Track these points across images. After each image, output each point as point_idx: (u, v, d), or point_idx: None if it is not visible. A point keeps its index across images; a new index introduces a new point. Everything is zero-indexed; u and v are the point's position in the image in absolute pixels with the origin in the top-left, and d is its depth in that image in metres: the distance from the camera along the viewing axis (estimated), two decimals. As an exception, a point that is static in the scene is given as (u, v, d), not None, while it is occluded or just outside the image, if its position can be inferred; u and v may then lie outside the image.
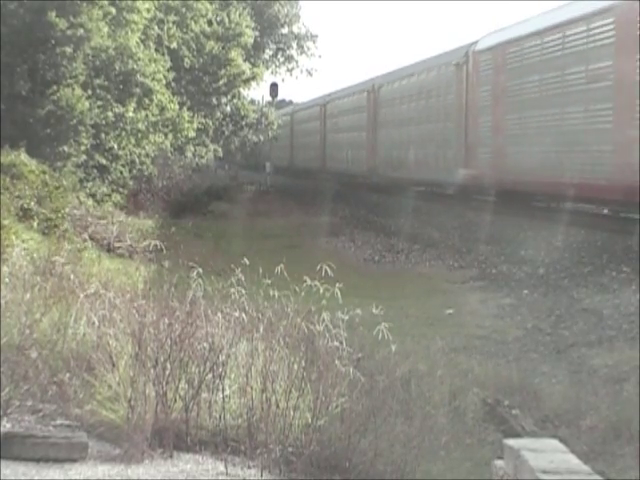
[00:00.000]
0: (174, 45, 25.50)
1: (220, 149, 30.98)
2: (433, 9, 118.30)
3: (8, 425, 4.94)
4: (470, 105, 20.04)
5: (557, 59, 16.31)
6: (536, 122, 17.17)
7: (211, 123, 29.48)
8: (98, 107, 20.06)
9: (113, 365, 5.33)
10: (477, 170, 19.68)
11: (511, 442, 3.88)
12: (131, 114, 21.26)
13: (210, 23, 28.37)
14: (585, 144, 15.12)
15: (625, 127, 13.86)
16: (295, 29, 40.44)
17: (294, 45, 40.64)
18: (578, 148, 15.40)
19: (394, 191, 25.17)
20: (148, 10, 22.08)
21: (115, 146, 21.26)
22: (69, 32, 18.85)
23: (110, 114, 20.51)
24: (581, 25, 15.52)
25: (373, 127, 28.53)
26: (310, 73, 41.54)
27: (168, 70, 24.13)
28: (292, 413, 5.04)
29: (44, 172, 16.43)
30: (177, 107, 24.22)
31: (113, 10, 20.13)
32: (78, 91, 19.28)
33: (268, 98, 39.65)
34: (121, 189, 21.66)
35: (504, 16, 39.45)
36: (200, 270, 5.96)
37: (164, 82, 23.35)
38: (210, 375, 5.21)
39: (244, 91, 32.30)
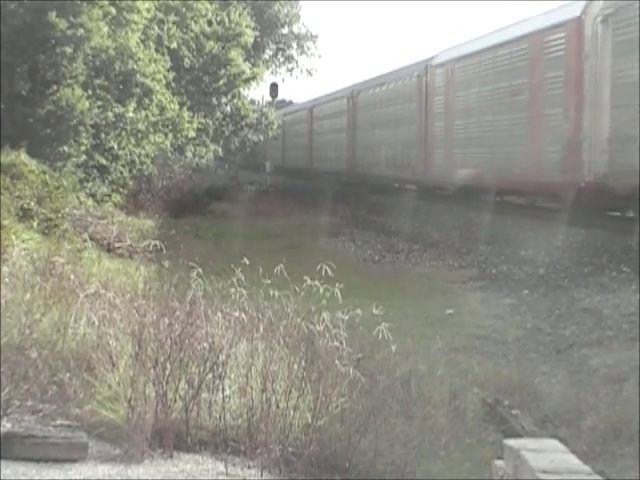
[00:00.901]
0: (174, 45, 25.50)
1: (220, 149, 30.98)
2: (433, 9, 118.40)
3: (8, 425, 4.94)
4: (429, 112, 23.36)
5: (489, 75, 19.66)
6: (474, 128, 20.57)
7: (211, 123, 29.48)
8: (98, 107, 20.06)
9: (113, 365, 5.33)
10: (434, 169, 22.97)
11: (511, 442, 3.89)
12: (131, 114, 21.26)
13: (210, 23, 28.36)
14: (507, 146, 18.68)
15: (536, 134, 17.25)
16: (295, 29, 40.49)
17: (294, 45, 40.66)
18: (502, 150, 18.97)
19: (377, 188, 27.86)
20: (148, 10, 22.09)
21: (115, 146, 21.26)
22: (69, 32, 18.85)
23: (110, 114, 20.51)
24: (506, 48, 19.05)
25: (352, 130, 31.60)
26: (310, 73, 41.62)
27: (168, 70, 24.14)
28: (292, 413, 5.04)
29: (44, 172, 16.43)
30: (177, 107, 24.23)
31: (113, 10, 20.13)
32: (78, 91, 19.27)
33: (268, 98, 39.71)
34: (121, 189, 21.66)
35: (502, 17, 39.47)
36: (200, 270, 5.97)
37: (164, 82, 23.36)
38: (210, 375, 5.22)
39: (244, 91, 32.33)
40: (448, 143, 22.23)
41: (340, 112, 33.53)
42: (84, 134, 19.47)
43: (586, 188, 15.15)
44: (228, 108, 31.34)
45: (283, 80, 53.08)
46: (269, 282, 5.88)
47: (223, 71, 28.83)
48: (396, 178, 26.63)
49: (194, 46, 27.41)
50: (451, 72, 22.22)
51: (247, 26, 30.00)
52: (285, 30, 40.19)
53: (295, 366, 5.23)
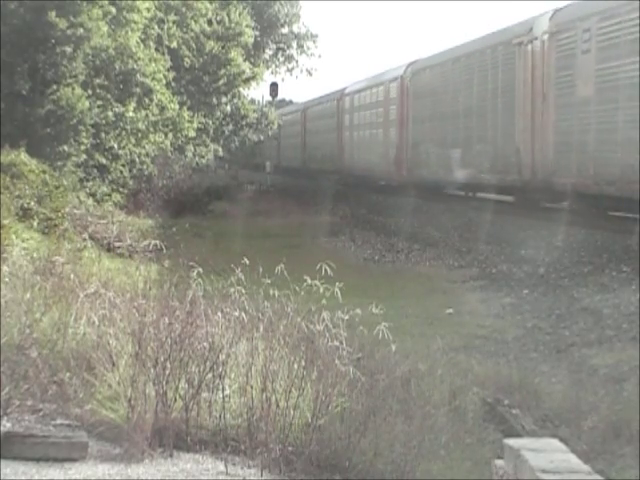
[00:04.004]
0: (174, 45, 25.49)
1: (220, 149, 30.96)
2: (433, 9, 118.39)
3: (8, 424, 4.94)
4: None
5: (367, 105, 28.69)
6: (360, 138, 29.97)
7: (211, 123, 29.48)
8: (98, 107, 20.06)
9: (113, 364, 5.33)
10: (346, 163, 28.95)
11: (511, 442, 3.88)
12: (131, 114, 21.26)
13: (210, 23, 28.35)
14: (371, 151, 29.00)
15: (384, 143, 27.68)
16: (295, 29, 40.40)
17: (294, 45, 40.60)
18: (368, 153, 28.68)
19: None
20: (148, 10, 22.09)
21: (115, 146, 21.25)
22: (69, 32, 18.84)
23: (110, 114, 20.51)
24: (374, 89, 29.30)
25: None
26: (310, 73, 41.51)
27: (168, 70, 24.13)
28: (292, 412, 5.04)
29: (44, 171, 16.44)
30: (177, 107, 24.22)
31: (113, 10, 20.12)
32: (78, 91, 19.27)
33: (268, 98, 39.73)
34: (121, 189, 21.66)
35: (503, 16, 39.43)
36: (200, 269, 5.96)
37: (164, 82, 23.35)
38: (210, 374, 5.21)
39: (244, 91, 32.34)
40: (349, 146, 32.81)
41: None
42: (84, 133, 19.47)
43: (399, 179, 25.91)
44: (228, 108, 31.34)
45: (283, 80, 52.92)
46: (269, 281, 5.87)
47: (223, 71, 28.83)
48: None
49: (194, 46, 27.40)
50: (350, 100, 32.81)
51: (247, 26, 29.99)
52: (285, 30, 40.13)
53: (295, 365, 5.23)
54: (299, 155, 41.41)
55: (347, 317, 5.46)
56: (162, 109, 23.20)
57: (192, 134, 25.45)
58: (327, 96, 38.14)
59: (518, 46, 18.13)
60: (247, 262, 6.07)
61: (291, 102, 54.84)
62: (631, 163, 13.74)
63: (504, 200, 20.08)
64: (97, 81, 20.51)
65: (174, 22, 25.47)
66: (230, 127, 31.95)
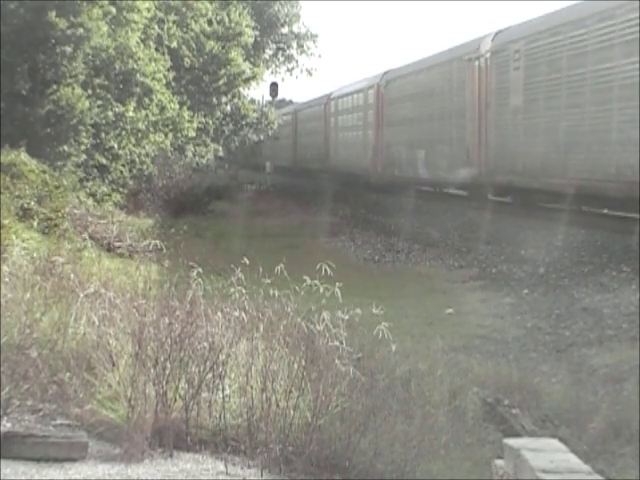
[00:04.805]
0: (174, 44, 25.48)
1: (220, 148, 30.95)
2: (433, 8, 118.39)
3: (8, 424, 4.94)
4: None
5: (349, 110, 31.30)
6: (341, 139, 32.79)
7: (211, 122, 29.47)
8: (98, 106, 20.05)
9: (113, 364, 5.33)
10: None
11: (511, 442, 3.88)
12: (131, 113, 21.24)
13: (210, 23, 28.35)
14: (353, 152, 31.98)
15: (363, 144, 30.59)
16: (295, 29, 40.40)
17: (294, 45, 40.60)
18: (349, 153, 31.70)
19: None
20: (148, 9, 22.07)
21: (115, 145, 21.24)
22: (69, 31, 18.83)
23: (110, 113, 20.50)
24: (354, 95, 32.24)
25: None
26: (310, 73, 41.54)
27: (168, 70, 24.12)
28: (292, 412, 5.04)
29: (44, 171, 16.42)
30: (177, 107, 24.21)
31: (113, 9, 20.11)
32: (78, 90, 19.26)
33: (268, 98, 39.70)
34: (121, 188, 21.65)
35: (508, 15, 39.49)
36: (200, 269, 5.96)
37: (164, 82, 23.33)
38: (210, 374, 5.21)
39: (244, 90, 32.32)
40: (334, 146, 35.64)
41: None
42: (84, 133, 19.46)
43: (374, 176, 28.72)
44: (228, 107, 31.33)
45: (283, 80, 52.99)
46: (269, 281, 5.87)
47: (223, 71, 28.82)
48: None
49: (194, 46, 27.39)
50: (335, 104, 35.47)
51: (247, 26, 29.99)
52: (285, 30, 40.13)
53: (295, 365, 5.23)
54: (291, 155, 43.63)
55: (347, 317, 5.46)
56: (162, 109, 23.19)
57: (192, 134, 25.44)
58: (315, 100, 40.46)
59: (468, 61, 21.06)
60: (247, 262, 6.07)
61: (291, 102, 54.85)
62: (554, 161, 16.57)
63: (504, 200, 20.10)
64: (97, 81, 20.50)
65: (174, 22, 25.47)
66: (230, 127, 31.94)
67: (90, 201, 18.52)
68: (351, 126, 33.05)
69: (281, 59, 40.87)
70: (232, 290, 5.80)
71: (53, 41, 19.06)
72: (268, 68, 39.15)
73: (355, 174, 31.37)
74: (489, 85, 19.83)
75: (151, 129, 22.48)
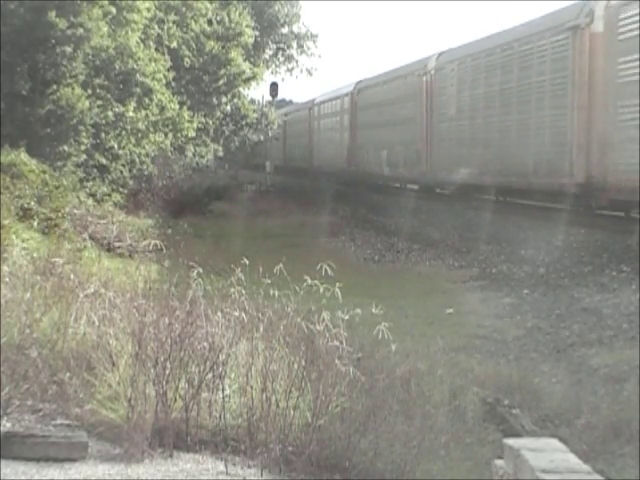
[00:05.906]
0: (174, 44, 25.46)
1: (220, 148, 30.94)
2: (433, 8, 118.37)
3: (8, 424, 4.94)
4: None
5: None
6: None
7: (211, 122, 29.45)
8: (98, 106, 20.04)
9: (113, 364, 5.33)
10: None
11: (511, 441, 3.88)
12: (131, 114, 21.23)
13: (210, 23, 28.33)
14: (338, 149, 34.54)
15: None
16: (295, 29, 40.42)
17: (294, 45, 40.62)
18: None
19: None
20: (148, 9, 22.05)
21: (115, 145, 21.22)
22: (69, 32, 18.81)
23: (110, 113, 20.48)
24: (344, 98, 34.17)
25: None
26: (310, 73, 41.59)
27: (168, 70, 24.09)
28: (292, 412, 5.04)
29: (44, 172, 16.41)
30: (177, 107, 24.18)
31: (113, 9, 20.09)
32: (78, 90, 19.24)
33: (268, 98, 39.66)
34: (121, 189, 21.63)
35: (502, 15, 39.48)
36: (200, 270, 5.96)
37: (164, 82, 23.31)
38: (210, 375, 5.21)
39: (244, 90, 32.29)
40: (317, 147, 38.99)
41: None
42: (84, 133, 19.44)
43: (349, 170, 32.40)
44: (228, 108, 31.32)
45: (283, 80, 53.02)
46: (269, 281, 5.87)
47: (223, 71, 28.80)
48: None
49: (194, 46, 27.38)
50: (318, 109, 38.59)
51: (247, 26, 29.97)
52: (285, 30, 40.14)
53: (295, 365, 5.23)
54: (281, 155, 46.38)
55: (347, 317, 5.46)
56: (162, 109, 23.16)
57: (192, 134, 25.41)
58: (302, 104, 44.46)
59: (419, 77, 24.85)
60: (247, 262, 6.07)
61: (291, 102, 54.87)
62: (478, 159, 20.28)
63: (504, 200, 20.10)
64: (97, 81, 20.48)
65: (174, 22, 25.44)
66: (230, 127, 31.93)
67: (90, 201, 18.50)
68: (330, 129, 36.97)
69: (281, 59, 40.89)
70: (232, 290, 5.79)
71: (53, 41, 19.03)
72: (268, 68, 39.20)
73: (333, 171, 34.42)
74: (434, 97, 23.90)
75: (151, 129, 22.46)
